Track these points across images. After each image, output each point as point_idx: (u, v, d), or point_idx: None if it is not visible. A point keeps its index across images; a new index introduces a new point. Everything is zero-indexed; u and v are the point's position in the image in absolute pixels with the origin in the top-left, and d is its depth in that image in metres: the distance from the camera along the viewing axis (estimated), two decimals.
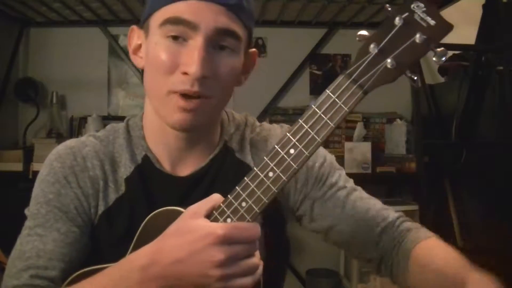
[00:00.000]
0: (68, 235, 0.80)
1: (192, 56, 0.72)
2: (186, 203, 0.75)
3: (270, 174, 0.65)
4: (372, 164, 2.50)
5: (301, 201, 0.90)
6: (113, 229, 0.83)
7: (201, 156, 0.87)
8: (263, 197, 0.66)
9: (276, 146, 0.66)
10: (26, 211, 0.84)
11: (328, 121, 0.65)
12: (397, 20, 0.63)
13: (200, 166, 0.86)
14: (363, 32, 0.66)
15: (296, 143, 0.65)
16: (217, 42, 0.75)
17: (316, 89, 3.00)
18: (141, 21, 0.82)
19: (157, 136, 0.86)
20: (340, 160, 2.51)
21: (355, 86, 0.66)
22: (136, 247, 0.71)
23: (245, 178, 0.67)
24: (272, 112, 2.84)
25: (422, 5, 0.63)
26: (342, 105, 0.65)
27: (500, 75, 2.08)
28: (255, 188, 0.66)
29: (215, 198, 0.68)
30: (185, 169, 0.86)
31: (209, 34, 0.73)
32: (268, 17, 2.76)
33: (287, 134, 0.65)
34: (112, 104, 2.88)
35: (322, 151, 0.92)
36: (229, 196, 0.67)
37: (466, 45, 2.28)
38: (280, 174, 0.65)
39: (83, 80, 2.81)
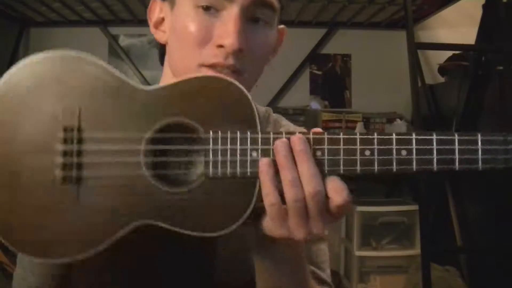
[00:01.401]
0: None
1: (227, 27, 0.67)
2: None
3: (367, 152, 0.56)
4: None
5: None
6: None
7: None
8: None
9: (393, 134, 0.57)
10: None
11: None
12: None
13: None
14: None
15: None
16: (252, 13, 0.69)
17: (316, 89, 3.00)
18: None
19: None
20: None
21: None
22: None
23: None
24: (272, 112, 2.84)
25: None
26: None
27: (500, 75, 2.08)
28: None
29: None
30: None
31: (244, 5, 0.67)
32: None
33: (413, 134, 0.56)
34: None
35: None
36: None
37: (466, 45, 2.28)
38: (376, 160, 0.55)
39: None
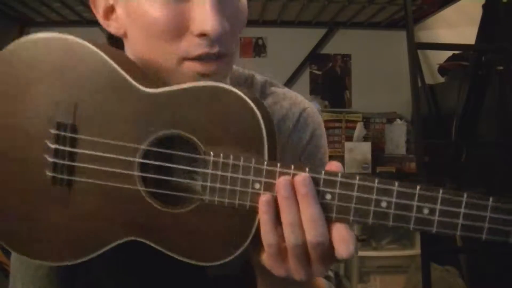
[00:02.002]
0: None
1: (204, 10, 0.57)
2: None
3: (383, 204, 0.48)
4: (372, 164, 2.51)
5: None
6: None
7: None
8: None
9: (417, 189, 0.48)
10: None
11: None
12: None
13: None
14: None
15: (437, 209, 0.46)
16: None
17: (316, 89, 3.00)
18: None
19: None
20: (340, 160, 2.52)
21: None
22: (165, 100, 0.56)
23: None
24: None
25: None
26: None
27: (500, 75, 2.08)
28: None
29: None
30: None
31: None
32: (268, 17, 2.76)
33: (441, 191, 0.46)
34: None
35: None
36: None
37: (466, 45, 2.28)
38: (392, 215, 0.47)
39: None
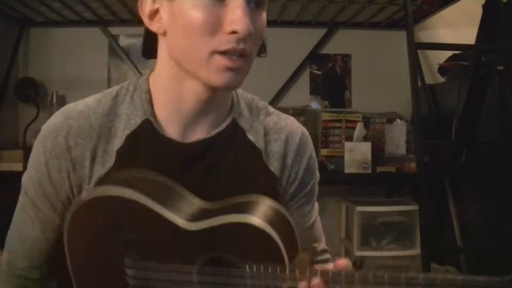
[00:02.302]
0: (47, 236, 0.81)
1: (236, 14, 0.71)
2: (189, 171, 0.79)
3: None
4: (372, 164, 2.50)
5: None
6: None
7: (211, 126, 0.83)
8: None
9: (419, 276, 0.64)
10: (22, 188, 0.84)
11: None
12: None
13: (207, 135, 0.82)
14: None
15: None
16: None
17: (316, 89, 3.00)
18: None
19: (170, 98, 0.80)
20: (340, 160, 2.52)
21: None
22: (203, 236, 0.73)
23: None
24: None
25: None
26: None
27: (500, 75, 2.08)
28: None
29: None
30: (193, 136, 0.82)
31: None
32: (268, 17, 2.72)
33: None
34: None
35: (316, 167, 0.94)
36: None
37: (466, 45, 2.28)
38: None
39: (83, 80, 2.81)
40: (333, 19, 2.83)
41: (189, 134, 0.82)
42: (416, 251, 2.45)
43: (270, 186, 0.85)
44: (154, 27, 0.79)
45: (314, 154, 0.93)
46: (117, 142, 0.80)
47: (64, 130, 0.79)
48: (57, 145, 0.78)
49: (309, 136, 0.93)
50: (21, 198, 0.82)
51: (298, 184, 0.89)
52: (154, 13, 0.79)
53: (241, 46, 0.72)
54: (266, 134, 0.88)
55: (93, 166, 0.79)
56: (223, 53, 0.72)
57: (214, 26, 0.72)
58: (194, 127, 0.82)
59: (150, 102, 0.82)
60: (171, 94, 0.80)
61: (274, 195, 0.83)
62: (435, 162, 2.43)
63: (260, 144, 0.86)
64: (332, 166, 2.52)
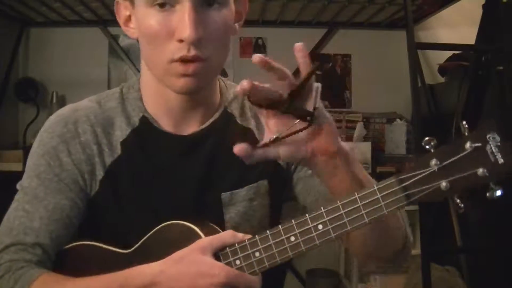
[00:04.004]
0: (56, 212, 0.79)
1: (182, 21, 0.71)
2: (188, 162, 0.81)
3: (292, 238, 0.66)
4: (372, 164, 2.50)
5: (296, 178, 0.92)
6: (117, 194, 0.83)
7: (202, 118, 0.87)
8: (277, 256, 0.67)
9: (307, 216, 0.66)
10: (18, 186, 0.84)
11: (364, 215, 0.64)
12: (468, 145, 0.59)
13: (201, 127, 0.86)
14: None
15: (327, 221, 0.65)
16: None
17: None
18: None
19: (157, 97, 0.85)
20: None
21: (402, 194, 0.63)
22: (140, 253, 0.75)
23: (267, 231, 0.68)
24: None
25: (498, 138, 0.59)
26: (383, 206, 0.63)
27: (500, 75, 2.08)
28: (273, 245, 0.67)
29: (226, 236, 0.70)
30: (187, 129, 0.87)
31: None
32: (268, 17, 2.76)
33: (322, 209, 0.65)
34: None
35: None
36: (246, 240, 0.69)
37: (466, 45, 2.28)
38: (301, 243, 0.66)
39: (83, 80, 2.81)
40: (333, 19, 2.83)
41: (183, 127, 0.87)
42: (416, 251, 2.44)
43: (269, 163, 0.85)
44: (129, 32, 0.82)
45: None
46: (120, 134, 0.84)
47: (73, 118, 0.84)
48: (67, 131, 0.83)
49: None
50: (19, 196, 0.82)
51: None
52: (128, 19, 0.82)
53: (192, 52, 0.73)
54: (253, 115, 0.91)
55: (100, 153, 0.83)
56: (179, 60, 0.74)
57: (166, 35, 0.73)
58: (187, 121, 0.86)
59: (142, 100, 0.87)
60: (157, 93, 0.85)
61: (273, 166, 0.87)
62: None
63: (252, 125, 0.90)
64: None
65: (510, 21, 2.02)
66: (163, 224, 0.76)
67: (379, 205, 0.63)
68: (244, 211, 0.86)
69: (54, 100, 2.71)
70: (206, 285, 0.64)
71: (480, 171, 0.59)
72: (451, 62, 2.50)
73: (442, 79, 2.63)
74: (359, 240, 0.79)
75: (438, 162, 0.61)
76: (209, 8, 0.74)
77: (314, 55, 2.96)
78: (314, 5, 2.55)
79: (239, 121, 0.90)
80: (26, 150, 2.44)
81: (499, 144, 0.59)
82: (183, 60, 0.73)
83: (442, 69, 2.59)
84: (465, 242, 2.24)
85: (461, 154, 0.60)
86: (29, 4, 2.49)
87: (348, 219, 0.64)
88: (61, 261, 0.80)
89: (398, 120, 2.74)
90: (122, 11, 0.82)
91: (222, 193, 0.85)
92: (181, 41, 0.72)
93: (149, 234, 0.76)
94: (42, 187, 0.80)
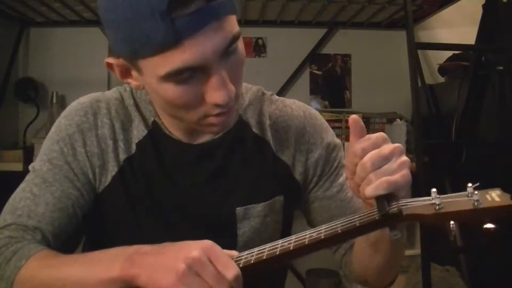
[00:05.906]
0: (61, 199, 0.79)
1: (215, 88, 0.67)
2: (200, 171, 0.80)
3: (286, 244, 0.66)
4: None
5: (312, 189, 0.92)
6: (128, 191, 0.82)
7: None
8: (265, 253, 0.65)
9: (306, 233, 0.66)
10: (30, 167, 0.84)
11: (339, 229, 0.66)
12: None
13: (213, 137, 0.84)
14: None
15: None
16: (225, 53, 0.69)
17: (316, 89, 3.00)
18: (121, 55, 0.71)
19: (166, 110, 0.80)
20: None
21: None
22: None
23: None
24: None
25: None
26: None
27: (500, 75, 2.08)
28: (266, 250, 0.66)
29: (230, 253, 0.66)
30: (199, 138, 0.85)
31: (218, 58, 0.67)
32: (268, 17, 2.76)
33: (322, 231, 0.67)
34: None
35: (336, 139, 0.93)
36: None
37: (466, 45, 2.28)
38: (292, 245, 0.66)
39: (83, 80, 2.81)
40: (333, 19, 2.83)
41: (194, 136, 0.84)
42: (416, 251, 2.44)
43: (283, 175, 0.86)
44: (132, 84, 0.76)
45: (329, 129, 0.92)
46: (136, 134, 0.83)
47: (93, 109, 0.83)
48: (86, 121, 0.82)
49: (318, 115, 0.92)
50: (30, 177, 0.82)
51: (323, 163, 0.89)
52: (127, 71, 0.74)
53: (229, 105, 0.70)
54: (273, 123, 0.89)
55: (115, 149, 0.82)
56: (216, 115, 0.72)
57: (197, 102, 0.70)
58: (198, 131, 0.83)
59: (152, 104, 0.85)
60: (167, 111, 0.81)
61: (289, 182, 0.86)
62: (435, 162, 2.42)
63: (268, 137, 0.87)
64: None
65: (510, 21, 2.02)
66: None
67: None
68: (258, 227, 0.85)
69: (54, 100, 2.70)
70: (182, 258, 0.60)
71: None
72: (451, 62, 2.50)
73: (442, 79, 2.63)
74: (361, 266, 0.82)
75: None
76: (229, 56, 0.69)
77: (314, 55, 2.96)
78: (314, 5, 2.55)
79: (255, 131, 0.87)
80: (26, 150, 2.44)
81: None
82: (220, 114, 0.71)
83: (442, 69, 2.58)
84: (465, 242, 2.24)
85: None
86: (29, 4, 2.48)
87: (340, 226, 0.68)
88: None
89: (398, 120, 2.73)
90: (116, 68, 0.74)
91: (237, 208, 0.83)
92: (216, 105, 0.69)
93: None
94: (52, 173, 0.80)
